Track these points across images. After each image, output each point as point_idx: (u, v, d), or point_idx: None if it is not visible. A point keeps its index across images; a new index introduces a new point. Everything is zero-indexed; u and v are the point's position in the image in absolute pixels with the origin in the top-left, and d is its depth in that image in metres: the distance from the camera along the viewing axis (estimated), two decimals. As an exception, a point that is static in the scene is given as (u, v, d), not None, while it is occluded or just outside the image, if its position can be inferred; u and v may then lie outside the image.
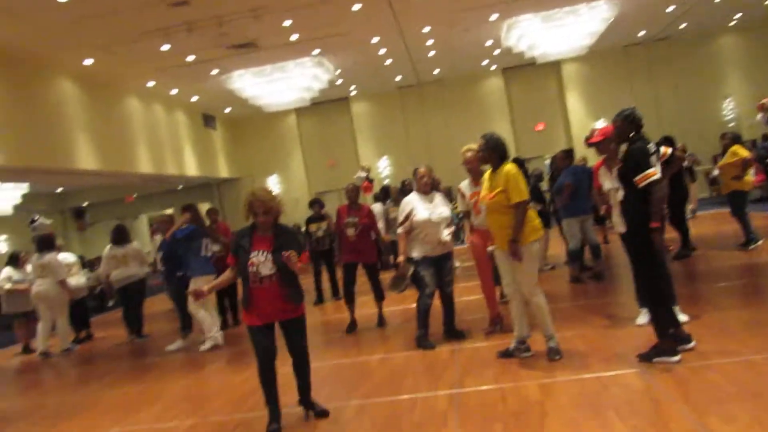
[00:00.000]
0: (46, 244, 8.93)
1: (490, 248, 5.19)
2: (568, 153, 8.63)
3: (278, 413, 4.12)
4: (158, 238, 9.80)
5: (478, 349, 5.45)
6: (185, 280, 7.42)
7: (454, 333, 5.91)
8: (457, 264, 9.96)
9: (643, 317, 5.34)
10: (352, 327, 6.99)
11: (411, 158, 17.91)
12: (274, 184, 19.16)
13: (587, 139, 13.34)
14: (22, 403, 6.55)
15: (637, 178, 4.27)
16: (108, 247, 9.06)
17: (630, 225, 4.44)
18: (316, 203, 9.67)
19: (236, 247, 4.10)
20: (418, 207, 5.74)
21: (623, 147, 4.67)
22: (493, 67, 17.95)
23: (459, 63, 16.63)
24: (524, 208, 4.60)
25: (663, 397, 3.70)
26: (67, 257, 9.42)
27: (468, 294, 7.69)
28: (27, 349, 9.53)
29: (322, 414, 4.26)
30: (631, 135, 4.46)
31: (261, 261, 3.98)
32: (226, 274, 4.28)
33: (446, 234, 5.70)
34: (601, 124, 17.08)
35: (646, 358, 4.29)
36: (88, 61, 11.36)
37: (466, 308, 7.07)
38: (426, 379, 4.88)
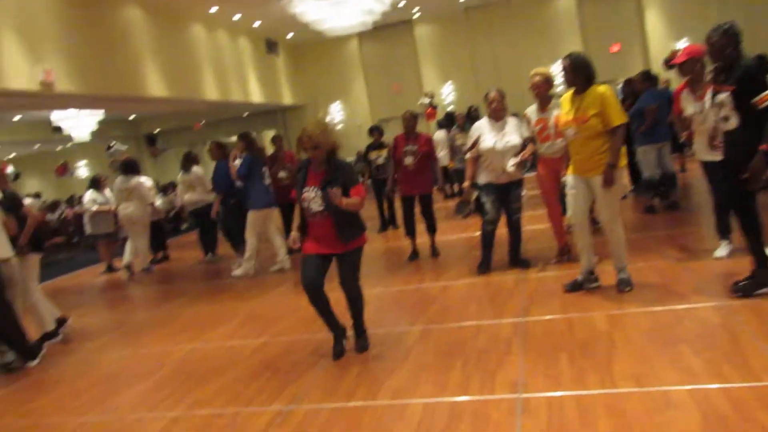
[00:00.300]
0: (130, 168, 9.24)
1: (564, 177, 4.90)
2: (648, 75, 8.10)
3: (339, 335, 4.23)
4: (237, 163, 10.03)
5: (544, 278, 5.38)
6: (238, 207, 7.61)
7: (519, 261, 5.86)
8: (523, 192, 9.81)
9: (722, 250, 5.12)
10: (413, 256, 7.02)
11: (477, 84, 17.41)
12: (336, 110, 19.11)
13: (668, 60, 12.63)
14: (106, 317, 7.00)
15: (757, 99, 3.79)
16: (180, 173, 9.36)
17: (735, 153, 4.02)
18: (375, 130, 9.60)
19: (295, 180, 4.18)
20: (486, 134, 5.65)
21: (709, 68, 4.35)
22: (566, -15, 16.97)
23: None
24: (623, 132, 4.41)
25: (741, 333, 3.55)
26: (146, 181, 9.76)
27: (535, 223, 7.56)
28: (110, 268, 10.11)
29: (362, 348, 4.22)
30: (729, 52, 3.97)
31: (311, 197, 3.99)
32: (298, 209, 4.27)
33: (510, 164, 5.55)
34: (684, 44, 16.01)
35: (744, 290, 4.04)
36: (154, -13, 11.41)
37: (532, 237, 6.97)
38: (490, 307, 4.89)
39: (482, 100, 6.06)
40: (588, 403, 2.98)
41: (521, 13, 17.43)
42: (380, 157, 9.07)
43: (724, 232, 5.17)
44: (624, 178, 8.15)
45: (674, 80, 12.07)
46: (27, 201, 16.19)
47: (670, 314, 4.04)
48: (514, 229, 5.85)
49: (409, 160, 6.77)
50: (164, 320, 6.19)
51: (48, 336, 5.79)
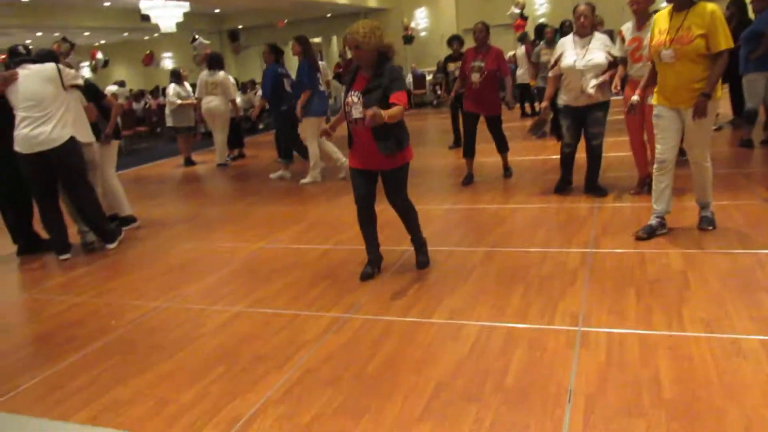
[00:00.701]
0: (216, 62, 9.38)
1: (635, 98, 4.49)
2: None
3: (373, 259, 4.17)
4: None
5: (620, 209, 5.15)
6: (289, 112, 7.61)
7: (595, 189, 5.62)
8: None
9: None
10: (468, 179, 6.69)
11: (574, -6, 16.28)
12: (421, 17, 18.42)
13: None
14: (181, 209, 7.27)
15: None
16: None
17: None
18: (455, 40, 9.20)
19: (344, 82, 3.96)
20: (568, 51, 5.36)
21: None
22: None
23: None
24: (727, 58, 3.91)
25: (831, 287, 3.30)
26: (228, 77, 9.81)
27: (617, 149, 7.19)
28: (188, 161, 10.45)
29: (422, 265, 4.19)
30: None
31: (354, 102, 3.71)
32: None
33: (591, 84, 5.22)
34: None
35: None
36: None
37: (613, 164, 6.66)
38: (560, 234, 4.72)
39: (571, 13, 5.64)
40: (651, 344, 2.86)
41: None
42: (458, 69, 8.70)
43: None
44: (718, 108, 7.57)
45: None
46: (113, 89, 16.86)
47: (753, 258, 3.78)
48: (594, 155, 5.57)
49: (475, 77, 6.31)
50: (235, 217, 6.38)
51: (127, 220, 6.10)
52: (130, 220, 6.16)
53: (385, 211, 5.64)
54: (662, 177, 4.28)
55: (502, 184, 6.55)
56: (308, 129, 7.48)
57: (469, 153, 6.67)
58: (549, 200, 5.66)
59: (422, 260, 4.21)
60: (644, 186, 5.45)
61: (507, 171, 6.80)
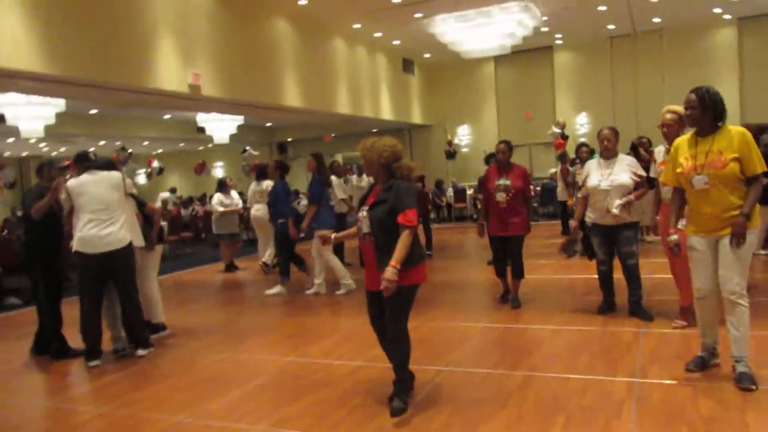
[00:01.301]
0: (263, 173, 9.83)
1: (674, 236, 3.97)
2: None
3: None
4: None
5: (669, 335, 4.87)
6: (285, 227, 7.79)
7: (638, 311, 5.39)
8: (648, 238, 9.09)
9: None
10: (504, 296, 6.44)
11: (614, 116, 16.55)
12: (464, 134, 18.92)
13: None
14: (215, 317, 7.22)
15: None
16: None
17: None
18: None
19: None
20: (593, 172, 5.47)
21: None
22: (727, 16, 15.67)
23: (685, 10, 14.72)
24: (763, 181, 3.73)
25: None
26: None
27: (662, 271, 6.94)
28: (229, 267, 10.57)
29: (395, 412, 3.63)
30: None
31: (363, 216, 3.67)
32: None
33: (615, 204, 5.23)
34: None
35: None
36: (303, 2, 11.85)
37: (658, 287, 6.40)
38: (603, 360, 4.45)
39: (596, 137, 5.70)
40: (707, 495, 2.57)
41: (673, 45, 16.36)
42: None
43: None
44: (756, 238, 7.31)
45: None
46: (164, 195, 17.59)
47: (819, 400, 3.46)
48: (630, 275, 5.45)
49: (501, 197, 6.06)
50: (267, 327, 6.30)
51: (158, 328, 6.07)
52: (160, 327, 6.14)
53: (418, 328, 5.51)
54: (705, 312, 3.94)
55: (542, 304, 6.33)
56: (318, 241, 7.55)
57: (502, 273, 6.43)
58: (591, 322, 5.42)
59: (396, 407, 3.65)
60: (687, 316, 5.05)
61: (515, 301, 6.24)
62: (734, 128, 3.77)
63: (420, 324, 5.74)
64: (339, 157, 24.49)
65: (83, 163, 5.49)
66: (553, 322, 5.58)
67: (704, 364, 4.01)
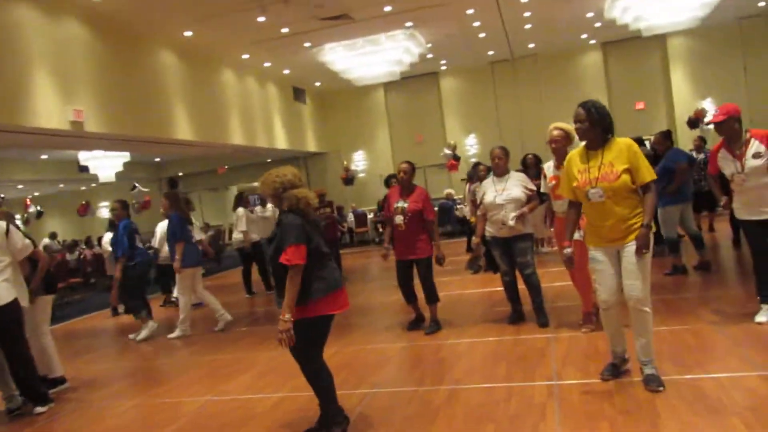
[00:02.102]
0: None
1: (568, 250, 4.12)
2: (667, 135, 7.94)
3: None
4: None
5: (576, 338, 5.14)
6: (137, 268, 7.67)
7: (537, 315, 5.71)
8: (543, 249, 9.59)
9: (764, 314, 4.88)
10: (416, 323, 6.29)
11: (501, 136, 17.38)
12: (359, 159, 19.15)
13: (694, 121, 12.45)
14: (118, 365, 6.79)
15: None
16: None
17: None
18: (393, 178, 9.56)
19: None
20: (488, 189, 5.82)
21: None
22: (592, 42, 16.99)
23: (556, 37, 15.84)
24: (656, 190, 3.87)
25: (797, 407, 3.29)
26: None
27: (562, 279, 7.33)
28: (115, 311, 10.07)
29: None
30: None
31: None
32: None
33: (511, 217, 5.58)
34: (708, 103, 15.92)
35: None
36: (188, 33, 11.60)
37: (561, 293, 6.75)
38: (521, 367, 4.61)
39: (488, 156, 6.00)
40: (636, 482, 2.72)
41: (547, 68, 17.50)
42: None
43: (766, 296, 4.92)
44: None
45: (708, 138, 11.96)
46: (45, 241, 16.37)
47: (714, 383, 3.77)
48: (530, 285, 5.76)
49: (399, 219, 5.95)
50: (178, 369, 6.00)
51: (56, 382, 5.63)
52: (58, 381, 5.68)
53: (338, 353, 5.47)
54: (611, 322, 4.06)
55: (455, 319, 6.46)
56: (184, 281, 7.50)
57: (410, 299, 6.25)
58: (504, 332, 5.62)
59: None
60: (589, 321, 5.36)
61: (434, 325, 6.05)
62: (622, 140, 3.91)
63: (338, 350, 5.70)
64: (234, 189, 24.05)
65: None
66: (467, 335, 5.73)
67: (617, 370, 4.12)
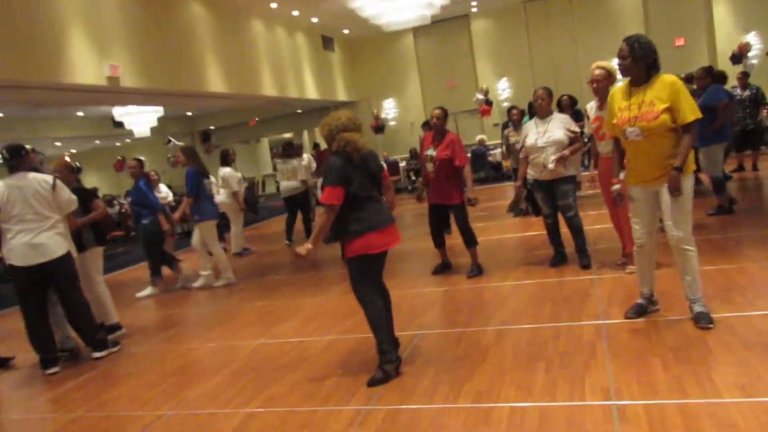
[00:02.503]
0: (224, 159, 9.79)
1: (616, 186, 4.18)
2: (710, 71, 7.70)
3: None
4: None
5: (621, 278, 5.14)
6: (151, 226, 7.63)
7: (579, 257, 5.72)
8: (580, 192, 9.48)
9: None
10: (441, 268, 6.41)
11: (534, 80, 17.03)
12: (390, 107, 19.00)
13: (738, 56, 12.12)
14: (167, 313, 7.02)
15: None
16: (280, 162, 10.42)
17: None
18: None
19: None
20: (531, 131, 5.77)
21: None
22: (630, -22, 16.39)
23: (591, -27, 15.33)
24: (697, 129, 3.73)
25: None
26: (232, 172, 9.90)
27: (602, 222, 7.28)
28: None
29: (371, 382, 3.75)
30: None
31: None
32: None
33: (551, 160, 5.54)
34: (753, 37, 15.30)
35: None
36: (216, -16, 11.52)
37: (603, 235, 6.72)
38: (567, 308, 4.64)
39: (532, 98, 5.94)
40: (692, 414, 2.77)
41: (582, 7, 16.94)
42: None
43: None
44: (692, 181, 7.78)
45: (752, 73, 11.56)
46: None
47: (766, 320, 3.77)
48: (572, 227, 5.75)
49: (429, 167, 6.02)
50: (227, 315, 6.18)
51: (113, 328, 5.87)
52: (115, 328, 5.94)
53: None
54: (642, 260, 4.11)
55: (496, 263, 6.50)
56: (207, 232, 7.64)
57: (439, 243, 6.37)
58: (547, 275, 5.65)
59: (372, 378, 3.73)
60: (629, 258, 5.28)
61: (475, 268, 6.12)
62: (667, 77, 3.79)
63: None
64: (266, 141, 24.15)
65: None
66: (511, 278, 5.77)
67: (643, 311, 4.16)
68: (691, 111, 3.68)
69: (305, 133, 22.73)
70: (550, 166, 5.55)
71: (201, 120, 22.17)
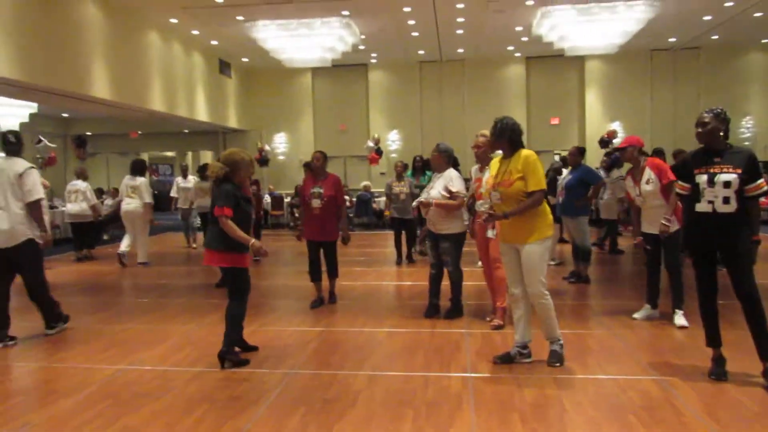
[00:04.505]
0: (139, 169, 10.22)
1: (490, 233, 5.31)
2: (582, 151, 8.47)
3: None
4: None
5: (490, 334, 5.40)
6: None
7: (454, 310, 6.02)
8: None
9: (642, 312, 5.83)
10: (317, 303, 6.72)
11: (422, 135, 17.75)
12: (280, 141, 18.92)
13: (606, 141, 13.41)
14: (19, 326, 6.43)
15: (752, 186, 3.97)
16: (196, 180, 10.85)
17: (732, 235, 4.01)
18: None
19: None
20: (430, 184, 6.13)
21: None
22: (518, 54, 17.64)
23: (485, 45, 16.34)
24: (540, 198, 4.32)
25: (685, 409, 3.66)
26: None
27: (475, 279, 7.64)
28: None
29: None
30: (721, 135, 4.12)
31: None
32: None
33: (414, 205, 6.22)
34: (618, 126, 16.96)
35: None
36: (115, -12, 11.06)
37: (472, 293, 7.04)
38: (437, 358, 4.80)
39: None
40: (546, 468, 2.95)
41: (473, 74, 18.00)
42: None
43: (651, 299, 5.84)
44: (553, 245, 8.45)
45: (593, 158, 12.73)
46: None
47: (613, 383, 4.12)
48: (450, 281, 6.04)
49: (315, 203, 6.50)
50: (87, 335, 5.76)
51: None
52: None
53: (256, 332, 5.48)
54: (515, 308, 4.59)
55: (371, 308, 6.61)
56: None
57: (316, 277, 6.76)
58: (421, 325, 5.81)
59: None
60: (496, 317, 5.73)
61: (332, 297, 6.83)
62: (524, 151, 4.44)
63: (256, 329, 5.70)
64: (145, 156, 23.10)
65: None
66: (386, 324, 5.88)
67: (510, 358, 4.59)
68: (535, 182, 4.32)
69: (189, 154, 22.03)
70: (414, 205, 6.14)
71: (77, 123, 20.84)
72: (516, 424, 3.48)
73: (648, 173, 5.58)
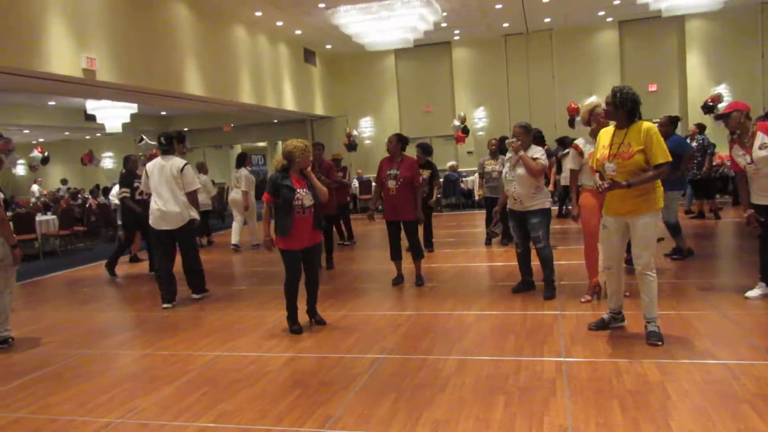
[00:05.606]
0: (240, 161, 11.21)
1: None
2: (673, 120, 7.90)
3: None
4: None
5: (584, 316, 5.17)
6: None
7: (547, 291, 5.86)
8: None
9: (756, 290, 5.39)
10: (398, 280, 6.99)
11: (510, 111, 17.28)
12: (366, 125, 19.02)
13: (710, 105, 12.43)
14: (125, 315, 6.84)
15: None
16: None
17: None
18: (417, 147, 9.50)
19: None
20: (507, 163, 5.98)
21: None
22: (609, 19, 16.74)
23: (573, 12, 15.61)
24: (666, 170, 4.26)
25: (806, 397, 3.34)
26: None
27: (570, 257, 7.37)
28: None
29: (322, 322, 5.40)
30: None
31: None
32: None
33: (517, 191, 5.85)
34: (723, 89, 15.77)
35: None
36: (202, -14, 11.42)
37: (566, 273, 6.78)
38: (529, 342, 4.66)
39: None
40: (648, 460, 2.78)
41: (561, 44, 17.28)
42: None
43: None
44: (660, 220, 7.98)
45: (710, 125, 11.97)
46: (35, 187, 16.93)
47: (724, 369, 3.82)
48: (541, 259, 5.90)
49: (391, 184, 6.67)
50: (186, 323, 6.04)
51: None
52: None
53: (346, 317, 5.54)
54: (611, 280, 4.66)
55: (460, 290, 6.52)
56: None
57: (395, 256, 6.95)
58: (511, 307, 5.67)
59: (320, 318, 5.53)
60: (593, 294, 5.65)
61: (419, 279, 6.89)
62: (644, 123, 4.30)
63: (347, 313, 5.76)
64: (238, 148, 23.92)
65: None
66: (475, 307, 5.77)
67: (605, 324, 4.75)
68: (662, 154, 4.22)
69: (279, 144, 22.61)
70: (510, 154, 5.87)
71: (174, 120, 21.88)
72: (615, 412, 3.30)
73: (761, 137, 5.13)
